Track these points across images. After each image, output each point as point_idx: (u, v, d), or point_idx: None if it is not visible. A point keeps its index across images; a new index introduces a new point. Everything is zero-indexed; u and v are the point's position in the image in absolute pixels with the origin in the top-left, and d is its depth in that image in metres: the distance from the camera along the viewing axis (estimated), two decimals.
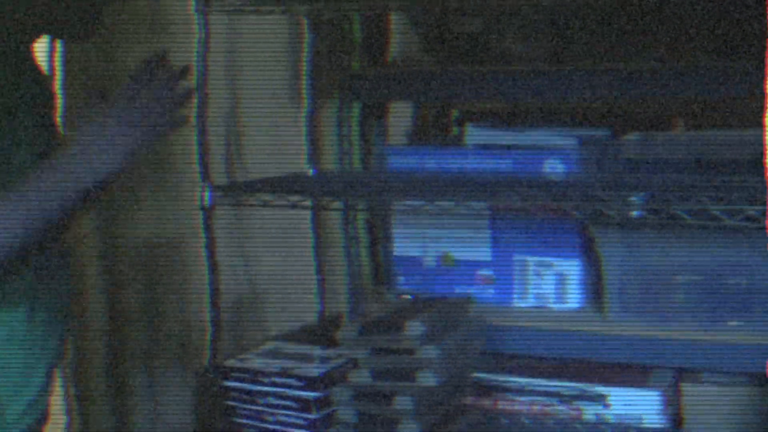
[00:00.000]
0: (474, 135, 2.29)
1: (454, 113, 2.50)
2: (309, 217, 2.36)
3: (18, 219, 1.33)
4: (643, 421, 1.97)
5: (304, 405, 1.97)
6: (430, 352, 1.91)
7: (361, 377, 1.94)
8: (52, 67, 2.45)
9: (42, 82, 1.59)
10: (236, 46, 2.51)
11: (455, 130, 2.48)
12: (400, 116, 2.47)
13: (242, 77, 2.50)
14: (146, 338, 2.68)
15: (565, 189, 1.93)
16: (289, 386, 1.99)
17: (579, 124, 2.36)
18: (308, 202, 1.90)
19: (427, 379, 1.91)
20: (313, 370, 2.00)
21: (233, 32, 2.50)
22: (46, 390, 1.59)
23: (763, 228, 1.68)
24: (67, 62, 2.50)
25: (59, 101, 1.66)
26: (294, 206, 1.93)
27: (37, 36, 1.54)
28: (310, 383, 1.97)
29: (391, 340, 1.92)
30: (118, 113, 1.42)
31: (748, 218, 1.71)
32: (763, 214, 1.66)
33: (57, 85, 1.63)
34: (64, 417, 2.56)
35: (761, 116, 1.51)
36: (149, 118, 1.44)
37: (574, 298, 2.18)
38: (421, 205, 1.96)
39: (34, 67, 1.57)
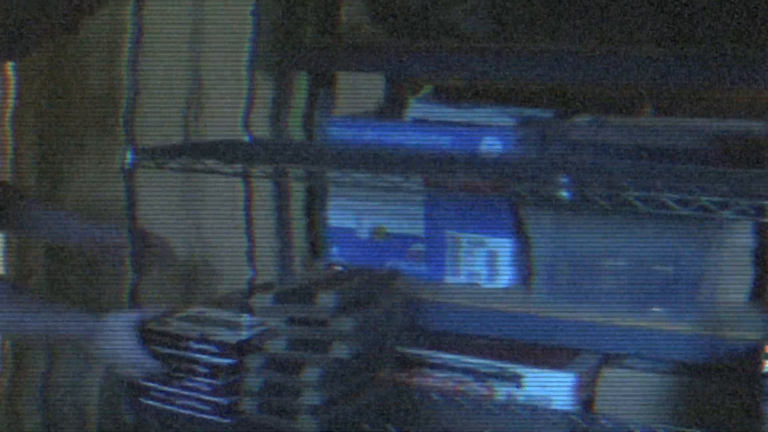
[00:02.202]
0: (416, 109, 2.27)
1: (404, 87, 2.47)
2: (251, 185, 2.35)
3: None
4: (553, 403, 1.95)
5: (214, 371, 1.96)
6: (345, 324, 1.90)
7: (277, 346, 1.93)
8: None
9: None
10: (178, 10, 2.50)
11: (400, 104, 2.46)
12: (346, 88, 2.45)
13: (183, 41, 2.49)
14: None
15: (495, 168, 1.91)
16: (205, 352, 1.98)
17: (532, 105, 2.32)
18: (226, 169, 1.89)
19: (341, 351, 1.90)
20: (232, 337, 1.99)
21: None
22: None
23: (689, 217, 1.65)
24: None
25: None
26: (212, 171, 1.93)
27: None
28: (225, 350, 1.96)
29: (303, 310, 1.91)
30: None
31: (666, 206, 1.68)
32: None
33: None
34: None
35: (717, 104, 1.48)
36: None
37: (505, 277, 2.17)
38: (347, 176, 1.93)
39: None
